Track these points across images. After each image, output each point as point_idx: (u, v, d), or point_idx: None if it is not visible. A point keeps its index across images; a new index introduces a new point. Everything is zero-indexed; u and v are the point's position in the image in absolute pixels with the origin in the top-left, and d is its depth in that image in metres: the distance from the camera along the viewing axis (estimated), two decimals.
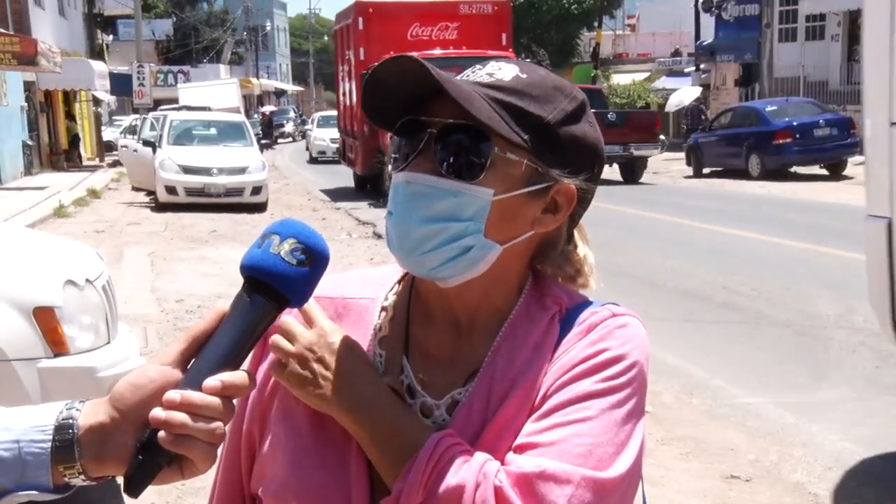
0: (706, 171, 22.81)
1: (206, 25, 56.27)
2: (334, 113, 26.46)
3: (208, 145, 17.93)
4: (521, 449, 1.04)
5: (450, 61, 15.08)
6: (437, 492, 1.01)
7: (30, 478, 0.92)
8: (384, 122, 1.13)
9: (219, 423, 0.93)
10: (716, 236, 12.25)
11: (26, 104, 24.75)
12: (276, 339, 1.08)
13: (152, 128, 19.25)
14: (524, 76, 1.11)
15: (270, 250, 0.98)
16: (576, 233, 1.21)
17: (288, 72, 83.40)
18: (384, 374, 1.13)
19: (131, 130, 20.19)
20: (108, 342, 4.06)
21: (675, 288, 8.85)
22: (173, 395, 0.92)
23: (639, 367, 1.09)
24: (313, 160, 32.88)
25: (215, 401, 0.93)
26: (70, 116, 30.10)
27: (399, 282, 1.21)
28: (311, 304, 1.08)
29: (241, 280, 1.00)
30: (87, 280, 4.06)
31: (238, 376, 0.96)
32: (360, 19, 18.55)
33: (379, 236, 12.57)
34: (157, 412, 0.91)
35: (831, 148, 20.29)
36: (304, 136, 41.85)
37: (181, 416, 0.91)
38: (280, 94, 68.83)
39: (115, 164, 26.29)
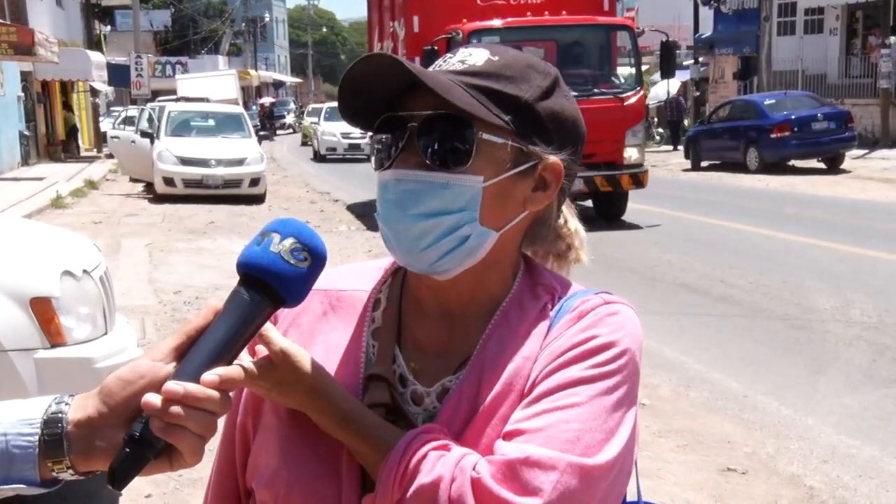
0: (704, 164, 22.81)
1: (205, 16, 56.13)
2: None
3: (206, 137, 17.90)
4: (509, 436, 1.04)
5: (547, 31, 12.70)
6: (412, 489, 1.01)
7: (17, 471, 0.91)
8: (361, 122, 1.13)
9: (212, 416, 0.93)
10: (713, 230, 12.26)
11: (23, 94, 24.68)
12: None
13: (150, 119, 19.19)
14: (496, 59, 1.11)
15: (270, 248, 0.98)
16: (564, 208, 1.22)
17: (286, 63, 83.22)
18: (376, 364, 1.13)
19: (128, 121, 20.03)
20: (106, 333, 4.06)
21: (672, 281, 8.86)
22: (175, 386, 0.91)
23: (630, 354, 1.09)
24: (321, 158, 29.08)
25: (215, 394, 0.92)
26: (67, 107, 30.02)
27: (392, 273, 1.21)
28: (268, 327, 1.05)
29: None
30: (85, 271, 4.05)
31: (234, 370, 0.96)
32: None
33: (377, 229, 12.56)
34: (152, 398, 0.90)
35: (829, 142, 20.30)
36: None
37: (174, 405, 0.90)
38: (278, 85, 68.71)
39: (112, 155, 26.23)
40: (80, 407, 0.93)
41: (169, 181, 16.66)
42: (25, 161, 23.80)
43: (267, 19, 70.45)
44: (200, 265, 10.17)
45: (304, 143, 37.28)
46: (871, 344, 6.50)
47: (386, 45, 15.45)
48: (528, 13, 12.73)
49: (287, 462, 1.10)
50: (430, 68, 1.12)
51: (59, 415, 0.93)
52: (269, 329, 1.06)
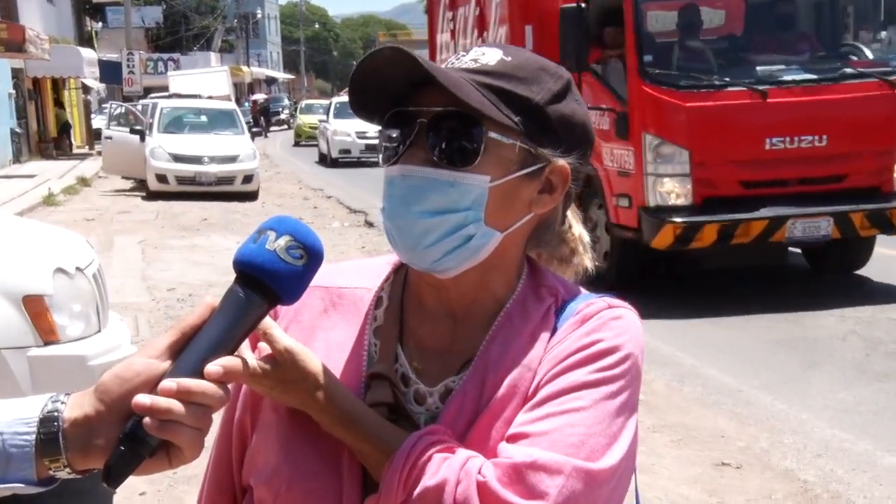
0: None
1: (197, 13, 55.97)
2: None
3: (199, 133, 17.85)
4: (514, 439, 1.03)
5: None
6: (417, 491, 1.00)
7: (13, 471, 0.91)
8: (370, 116, 1.12)
9: (206, 409, 0.92)
10: None
11: (14, 91, 24.59)
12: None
13: (124, 117, 19.07)
14: (509, 59, 1.10)
15: (266, 246, 0.97)
16: (569, 213, 1.22)
17: (279, 60, 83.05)
18: (378, 362, 1.13)
19: (115, 119, 19.84)
20: (99, 330, 4.05)
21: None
22: (169, 383, 0.91)
23: (633, 359, 1.09)
24: (332, 162, 24.02)
25: (211, 386, 0.92)
26: (59, 104, 29.92)
27: (394, 271, 1.21)
28: (272, 325, 1.06)
29: (231, 268, 0.99)
30: (78, 268, 4.04)
31: (237, 362, 0.95)
32: None
33: (371, 225, 12.55)
34: (142, 398, 0.90)
35: None
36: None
37: (166, 402, 0.89)
38: (271, 81, 68.58)
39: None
40: (76, 405, 0.93)
41: (162, 178, 16.62)
42: (17, 158, 23.72)
43: (259, 16, 70.29)
44: (194, 262, 10.15)
45: (297, 143, 34.67)
46: (864, 339, 6.52)
47: (454, 24, 11.20)
48: None
49: (287, 459, 1.10)
50: (443, 66, 1.11)
51: (56, 413, 0.92)
52: (272, 327, 1.06)
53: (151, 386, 0.92)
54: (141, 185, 17.71)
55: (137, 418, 0.90)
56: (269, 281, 0.97)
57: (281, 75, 74.40)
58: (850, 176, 7.44)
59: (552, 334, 1.11)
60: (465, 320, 1.14)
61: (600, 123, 7.82)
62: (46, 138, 27.64)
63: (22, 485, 0.92)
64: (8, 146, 23.34)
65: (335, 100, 27.63)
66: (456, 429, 1.07)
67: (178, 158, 16.65)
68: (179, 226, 13.15)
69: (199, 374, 0.92)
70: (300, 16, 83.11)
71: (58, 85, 29.92)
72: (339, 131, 23.94)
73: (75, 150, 29.21)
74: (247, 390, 1.17)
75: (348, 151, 23.82)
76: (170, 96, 21.77)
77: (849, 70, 7.68)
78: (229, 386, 0.95)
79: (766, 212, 7.31)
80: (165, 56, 43.14)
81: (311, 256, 0.99)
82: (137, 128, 18.00)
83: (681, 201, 7.30)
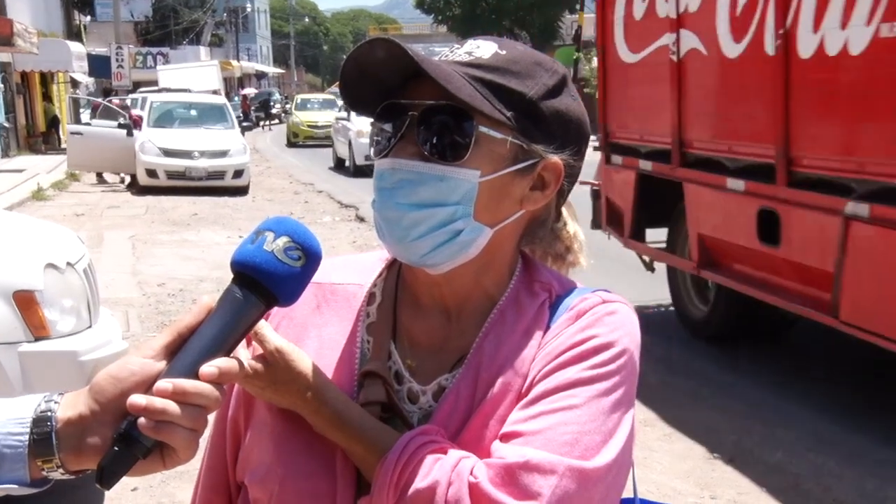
0: None
1: (186, 7, 55.72)
2: None
3: (189, 128, 17.77)
4: (507, 437, 1.03)
5: None
6: (408, 493, 1.00)
7: (6, 472, 0.90)
8: (363, 108, 1.11)
9: (203, 410, 0.91)
10: None
11: (2, 86, 24.44)
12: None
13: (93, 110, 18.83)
14: (503, 53, 1.09)
15: (263, 247, 0.96)
16: (564, 210, 1.20)
17: (269, 54, 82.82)
18: (371, 360, 1.12)
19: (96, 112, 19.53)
20: (90, 326, 4.03)
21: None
22: (164, 384, 0.90)
23: (628, 354, 1.08)
24: (357, 171, 19.27)
25: (207, 387, 0.91)
26: (48, 98, 29.77)
27: (387, 267, 1.20)
28: (262, 325, 1.05)
29: (222, 263, 0.98)
30: (68, 263, 4.02)
31: (232, 363, 0.94)
32: None
33: (362, 220, 12.53)
34: (137, 398, 0.89)
35: None
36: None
37: (161, 402, 0.88)
38: (261, 76, 68.38)
39: None
40: (70, 405, 0.92)
41: (152, 173, 16.55)
42: (5, 153, 23.59)
43: (249, 9, 70.05)
44: (184, 257, 10.12)
45: (292, 144, 30.43)
46: None
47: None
48: None
49: (281, 458, 1.09)
50: (437, 58, 1.10)
51: (49, 413, 0.91)
52: (263, 327, 1.05)
53: (147, 386, 0.91)
54: (100, 180, 17.72)
55: (132, 419, 0.89)
56: (266, 282, 0.96)
57: (271, 70, 74.20)
58: None
59: (546, 330, 1.10)
60: (459, 317, 1.13)
61: None
62: (35, 133, 27.51)
63: (15, 486, 0.91)
64: None
65: None
66: (449, 428, 1.06)
67: (168, 153, 16.58)
68: (169, 221, 13.10)
69: (195, 374, 0.91)
70: (290, 10, 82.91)
71: (46, 79, 29.77)
72: (366, 132, 18.01)
73: (63, 145, 29.07)
74: (240, 388, 1.16)
75: None
76: (159, 91, 21.66)
77: None
78: (224, 386, 0.94)
79: None
80: (155, 50, 42.98)
81: (309, 258, 0.98)
82: (123, 122, 17.86)
83: None
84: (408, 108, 1.06)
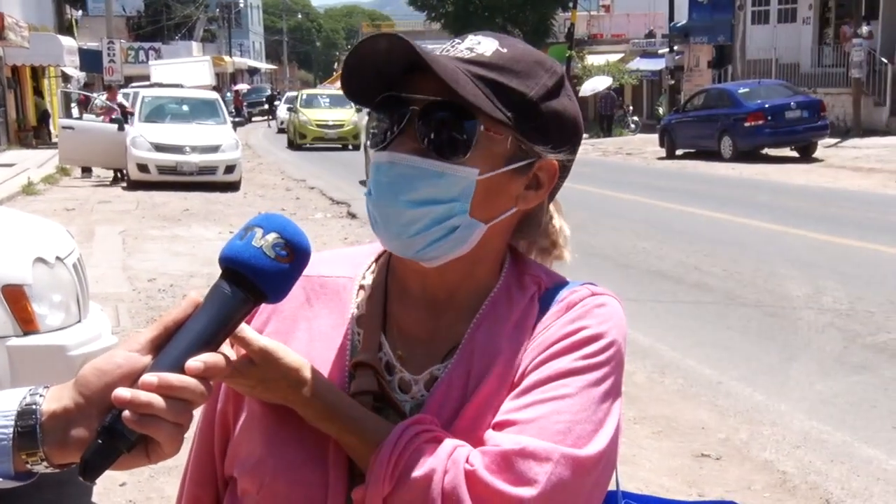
0: (679, 152, 22.93)
1: (178, 2, 55.53)
2: None
3: (181, 123, 17.71)
4: (500, 426, 1.04)
5: None
6: (404, 482, 1.00)
7: None
8: (361, 99, 1.11)
9: (187, 404, 0.91)
10: (688, 217, 12.33)
11: None
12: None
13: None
14: (505, 51, 1.09)
15: (252, 243, 0.96)
16: (551, 206, 1.21)
17: (261, 50, 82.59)
18: (362, 351, 1.12)
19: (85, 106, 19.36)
20: (79, 321, 4.02)
21: (647, 269, 8.91)
22: (150, 377, 0.89)
23: (616, 346, 1.10)
24: None
25: (192, 381, 0.91)
26: (38, 93, 29.63)
27: (376, 260, 1.20)
28: (243, 328, 1.05)
29: (213, 259, 0.98)
30: (58, 258, 4.01)
31: (218, 358, 0.94)
32: None
33: (353, 216, 12.52)
34: (122, 391, 0.88)
35: (802, 130, 20.47)
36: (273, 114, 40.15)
37: (146, 396, 0.88)
38: (253, 72, 68.22)
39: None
40: (55, 398, 0.92)
41: (143, 167, 16.50)
42: None
43: (241, 5, 69.83)
44: (175, 252, 10.10)
45: (298, 146, 27.90)
46: (842, 331, 6.57)
47: None
48: None
49: (272, 449, 1.09)
50: (438, 52, 1.10)
51: (34, 406, 0.91)
52: (244, 329, 1.04)
53: (132, 380, 0.90)
54: (86, 174, 17.58)
55: (117, 412, 0.89)
56: (254, 278, 0.96)
57: (263, 65, 74.00)
58: None
59: (537, 322, 1.11)
60: (449, 308, 1.14)
61: None
62: (26, 127, 27.37)
63: (0, 479, 0.91)
64: None
65: None
66: (442, 417, 1.07)
67: (159, 148, 16.53)
68: (160, 216, 13.07)
69: (181, 369, 0.91)
70: (283, 6, 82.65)
71: (37, 73, 29.63)
72: None
73: (54, 139, 28.94)
74: None
75: None
76: (151, 85, 21.60)
77: None
78: (211, 381, 0.94)
79: None
80: (147, 45, 42.86)
81: (298, 255, 0.98)
82: (115, 117, 17.79)
83: None
84: (409, 102, 1.06)
